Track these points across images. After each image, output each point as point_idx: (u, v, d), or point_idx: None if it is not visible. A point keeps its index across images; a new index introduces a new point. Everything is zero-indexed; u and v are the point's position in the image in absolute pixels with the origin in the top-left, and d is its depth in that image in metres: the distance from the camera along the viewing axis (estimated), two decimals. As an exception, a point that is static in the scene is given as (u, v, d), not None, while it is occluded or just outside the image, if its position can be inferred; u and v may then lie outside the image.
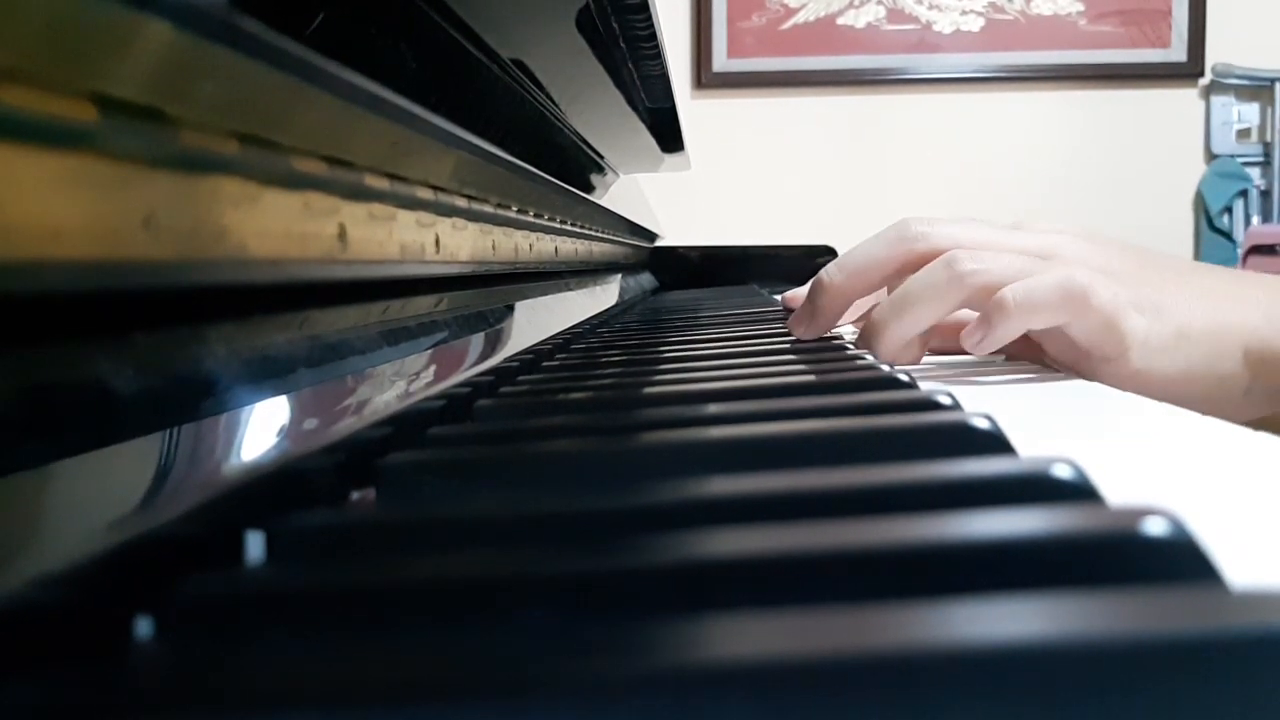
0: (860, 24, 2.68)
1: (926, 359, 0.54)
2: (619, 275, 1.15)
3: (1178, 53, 2.66)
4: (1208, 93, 2.68)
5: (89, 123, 0.17)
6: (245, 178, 0.23)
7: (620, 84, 0.84)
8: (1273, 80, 2.62)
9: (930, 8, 2.68)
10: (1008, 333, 0.46)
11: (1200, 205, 2.68)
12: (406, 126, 0.34)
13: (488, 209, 0.49)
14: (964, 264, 0.47)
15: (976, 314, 0.48)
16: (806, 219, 2.64)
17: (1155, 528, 0.16)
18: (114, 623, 0.17)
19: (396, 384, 0.32)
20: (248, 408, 0.23)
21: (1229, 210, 2.65)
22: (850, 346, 0.52)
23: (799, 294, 0.59)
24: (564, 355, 0.58)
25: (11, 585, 0.15)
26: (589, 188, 0.94)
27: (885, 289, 0.53)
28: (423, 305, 0.40)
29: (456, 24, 0.50)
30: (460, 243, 0.43)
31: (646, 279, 1.52)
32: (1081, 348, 0.47)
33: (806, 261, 1.54)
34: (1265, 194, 2.66)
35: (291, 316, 0.28)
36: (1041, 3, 2.67)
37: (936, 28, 2.68)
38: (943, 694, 0.12)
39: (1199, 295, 0.48)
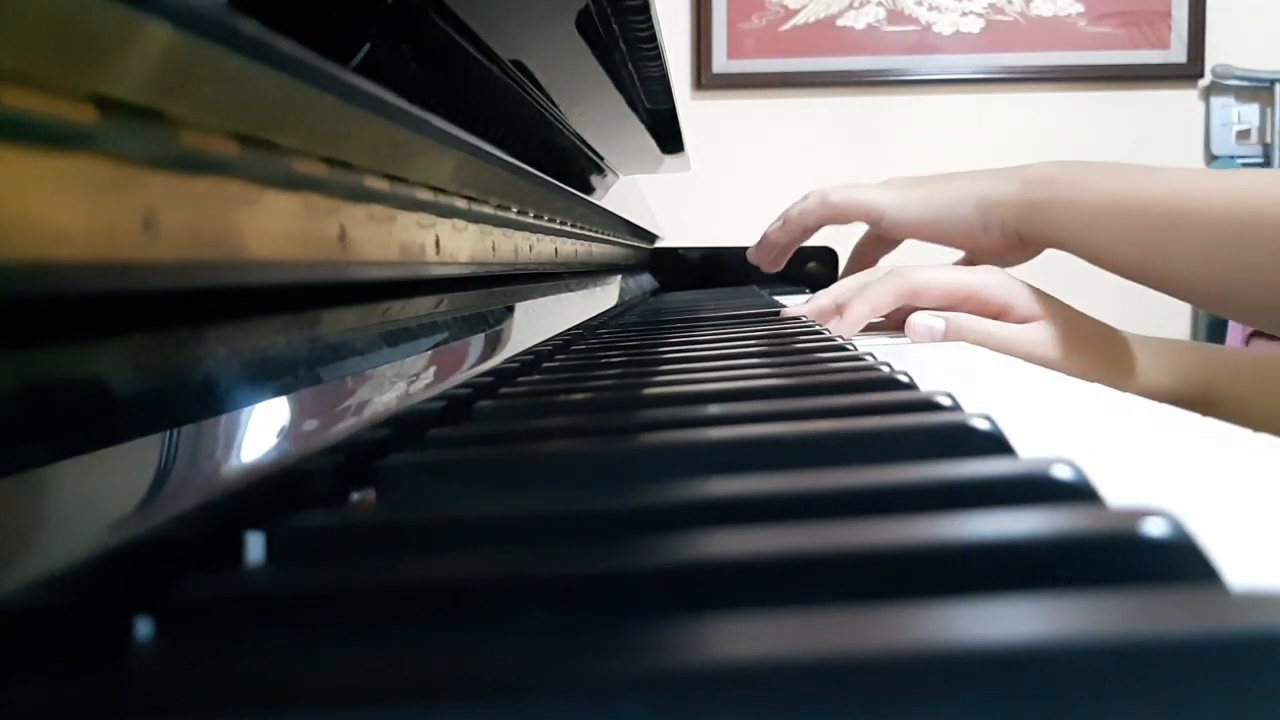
0: (860, 25, 2.68)
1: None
2: (619, 276, 1.15)
3: (1177, 54, 2.66)
4: (1208, 94, 2.68)
5: (89, 124, 0.17)
6: (245, 179, 0.23)
7: (620, 85, 0.84)
8: (1273, 81, 2.62)
9: (930, 9, 2.68)
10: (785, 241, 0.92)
11: (1200, 206, 2.68)
12: (407, 128, 0.34)
13: (488, 210, 0.49)
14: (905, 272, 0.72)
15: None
16: (806, 220, 2.64)
17: (1155, 528, 0.16)
18: (114, 623, 0.17)
19: (396, 385, 0.32)
20: (248, 409, 0.23)
21: (1229, 211, 2.65)
22: (850, 347, 0.52)
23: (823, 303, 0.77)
24: (564, 356, 0.58)
25: (12, 585, 0.15)
26: (589, 189, 0.94)
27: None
28: (423, 306, 0.40)
29: (457, 25, 0.50)
30: (460, 244, 0.43)
31: (646, 280, 1.52)
32: (855, 217, 0.85)
33: (806, 262, 1.53)
34: (1265, 195, 2.66)
35: (291, 318, 0.28)
36: (1041, 4, 2.66)
37: (936, 29, 2.68)
38: (943, 695, 0.12)
39: (953, 180, 0.81)
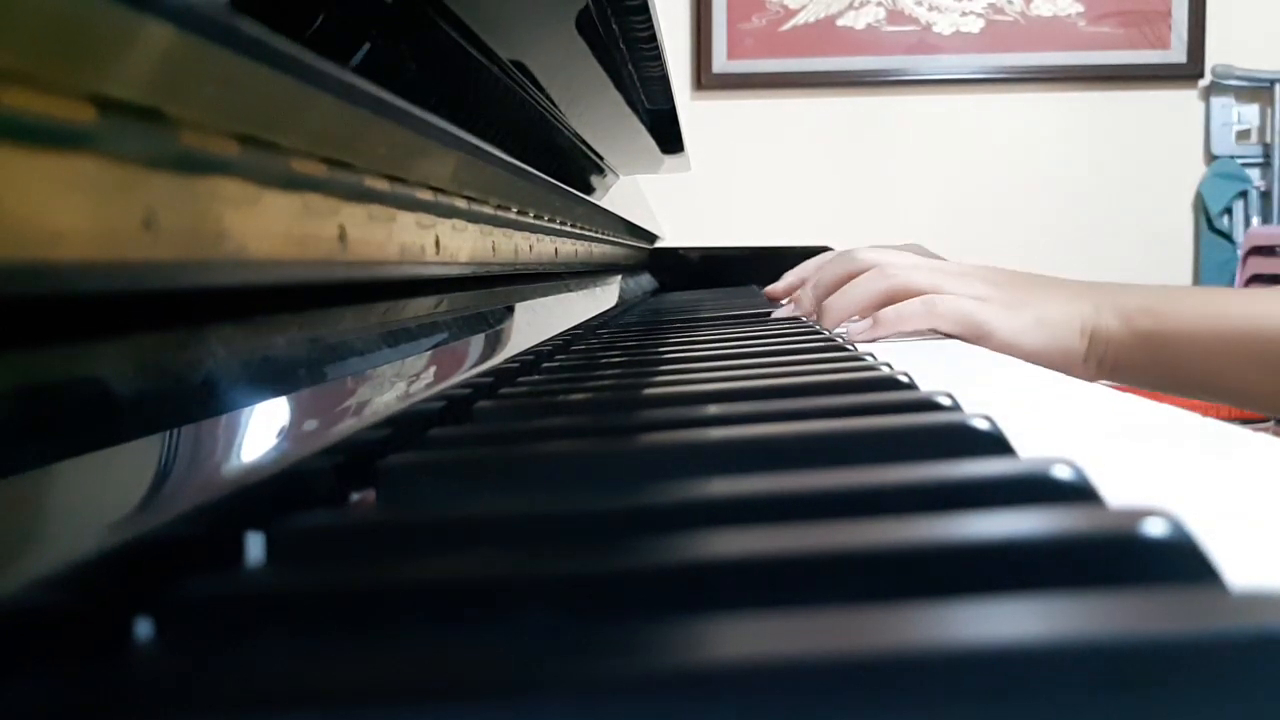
0: (860, 25, 2.68)
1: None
2: (619, 276, 1.15)
3: (1177, 54, 2.66)
4: (1207, 94, 2.68)
5: (89, 124, 0.17)
6: (245, 179, 0.23)
7: (620, 85, 0.84)
8: (1272, 81, 2.62)
9: (930, 9, 2.68)
10: (884, 336, 0.70)
11: (1200, 206, 2.68)
12: (407, 128, 0.34)
13: (488, 210, 0.49)
14: (891, 272, 0.74)
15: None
16: (806, 220, 2.64)
17: (1155, 529, 0.16)
18: (114, 623, 0.17)
19: (396, 385, 0.32)
20: (248, 409, 0.23)
21: (1229, 211, 2.65)
22: (850, 347, 0.52)
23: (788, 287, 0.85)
24: (564, 356, 0.58)
25: (12, 586, 0.15)
26: (589, 189, 0.94)
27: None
28: (422, 306, 0.40)
29: (457, 26, 0.50)
30: (460, 244, 0.43)
31: (646, 280, 1.52)
32: (958, 335, 0.70)
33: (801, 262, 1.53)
34: (1265, 195, 2.66)
35: (291, 318, 0.28)
36: (1041, 4, 2.67)
37: (936, 29, 2.68)
38: (943, 695, 0.12)
39: (1051, 296, 0.73)
